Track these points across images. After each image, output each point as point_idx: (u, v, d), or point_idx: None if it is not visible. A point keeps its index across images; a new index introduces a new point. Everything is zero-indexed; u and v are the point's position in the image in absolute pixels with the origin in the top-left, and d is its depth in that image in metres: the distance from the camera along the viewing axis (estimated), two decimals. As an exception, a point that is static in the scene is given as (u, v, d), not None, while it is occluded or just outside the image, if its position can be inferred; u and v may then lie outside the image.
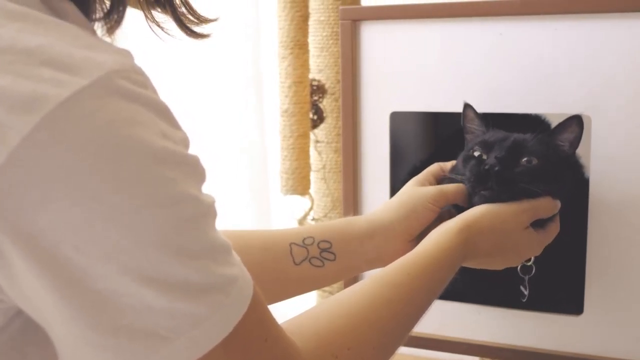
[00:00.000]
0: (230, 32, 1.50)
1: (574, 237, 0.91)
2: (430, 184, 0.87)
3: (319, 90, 1.24)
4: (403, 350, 1.17)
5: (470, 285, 0.96)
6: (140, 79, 0.45)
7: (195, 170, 0.48)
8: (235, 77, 1.54)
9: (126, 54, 0.46)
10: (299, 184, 1.26)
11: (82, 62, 0.42)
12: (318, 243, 0.79)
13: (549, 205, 0.82)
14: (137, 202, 0.43)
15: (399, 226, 0.82)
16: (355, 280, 0.99)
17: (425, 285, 0.70)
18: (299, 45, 1.23)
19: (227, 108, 1.54)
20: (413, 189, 0.84)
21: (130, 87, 0.44)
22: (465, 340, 0.99)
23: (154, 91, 0.47)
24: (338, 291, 0.88)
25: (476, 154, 0.85)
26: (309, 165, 1.27)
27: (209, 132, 1.49)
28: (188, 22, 0.61)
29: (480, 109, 0.98)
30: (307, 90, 1.24)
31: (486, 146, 0.85)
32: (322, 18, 1.23)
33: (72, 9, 0.48)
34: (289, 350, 0.54)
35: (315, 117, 1.27)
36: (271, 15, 1.28)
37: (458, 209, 0.85)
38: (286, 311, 0.70)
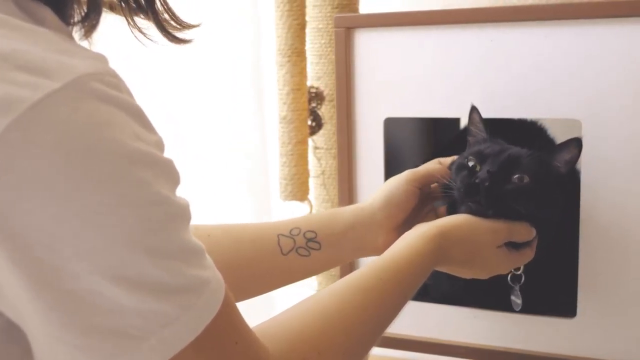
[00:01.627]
0: (230, 40, 1.51)
1: (566, 240, 0.92)
2: (422, 177, 0.87)
3: (317, 97, 1.26)
4: (399, 354, 1.18)
5: (466, 289, 0.97)
6: (114, 81, 0.46)
7: (168, 173, 0.48)
8: (235, 84, 1.56)
9: (101, 58, 0.47)
10: (298, 189, 1.27)
11: (55, 66, 0.43)
12: (304, 233, 0.82)
13: (524, 231, 0.84)
14: (108, 202, 0.43)
15: (380, 214, 0.84)
16: (351, 268, 1.00)
17: (397, 290, 0.71)
18: (296, 53, 1.24)
19: (228, 115, 1.55)
20: (392, 177, 0.87)
21: (103, 89, 0.44)
22: (461, 344, 1.00)
23: (129, 94, 0.48)
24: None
25: (470, 164, 0.86)
26: (307, 171, 1.28)
27: (209, 138, 1.51)
28: (170, 28, 0.62)
29: (473, 114, 0.99)
30: (305, 98, 1.25)
31: (481, 157, 0.86)
32: (320, 26, 1.24)
33: (49, 15, 0.49)
34: (260, 353, 0.55)
35: (314, 124, 1.28)
36: (270, 23, 1.30)
37: (450, 212, 0.86)
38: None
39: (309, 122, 1.28)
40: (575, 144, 0.85)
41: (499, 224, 0.81)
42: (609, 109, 0.88)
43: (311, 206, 1.30)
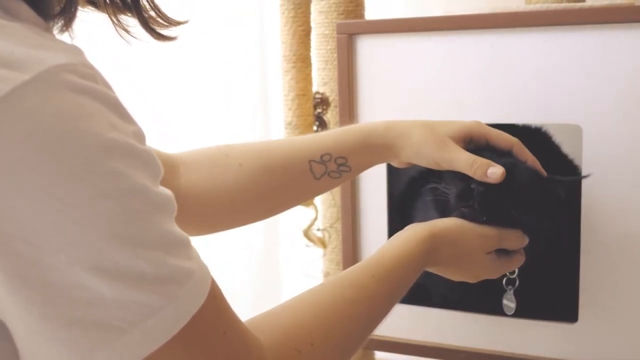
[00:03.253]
0: (235, 46, 1.53)
1: (567, 245, 0.92)
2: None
3: (322, 102, 1.27)
4: (399, 357, 1.19)
5: (467, 293, 0.98)
6: (88, 72, 0.45)
7: (145, 162, 0.48)
8: (241, 91, 1.57)
9: (74, 50, 0.46)
10: (304, 194, 1.28)
11: (25, 58, 0.42)
12: (335, 159, 0.84)
13: (516, 239, 0.83)
14: (83, 193, 0.43)
15: (410, 155, 0.84)
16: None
17: (388, 288, 0.72)
18: (301, 59, 1.26)
19: (234, 120, 1.57)
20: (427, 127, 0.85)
21: (76, 80, 0.44)
22: (462, 348, 1.01)
23: (106, 85, 0.47)
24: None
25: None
26: (313, 176, 1.29)
27: (215, 143, 1.52)
28: (156, 25, 0.61)
29: (474, 119, 1.00)
30: (311, 103, 1.27)
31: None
32: (326, 32, 1.26)
33: (24, 9, 0.49)
34: (250, 344, 0.55)
35: (319, 129, 1.29)
36: (275, 29, 1.31)
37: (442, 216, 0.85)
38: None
39: (315, 128, 1.29)
40: (579, 179, 0.86)
41: (490, 230, 0.81)
42: (609, 115, 0.88)
43: (317, 211, 1.31)
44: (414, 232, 0.78)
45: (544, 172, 0.85)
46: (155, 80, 1.33)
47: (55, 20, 0.52)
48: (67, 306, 0.43)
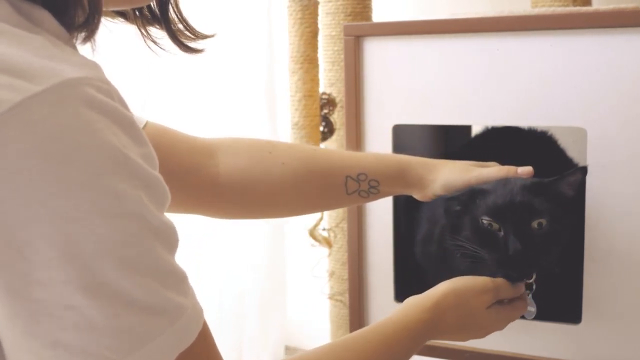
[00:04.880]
0: (243, 47, 1.53)
1: (571, 247, 0.93)
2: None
3: (328, 103, 1.28)
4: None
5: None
6: (104, 87, 0.45)
7: (150, 186, 0.46)
8: (248, 91, 1.58)
9: (91, 65, 0.46)
10: (310, 194, 1.29)
11: (39, 70, 0.42)
12: (369, 181, 0.88)
13: (509, 290, 0.84)
14: (81, 208, 0.42)
15: (437, 190, 0.89)
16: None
17: (387, 355, 0.73)
18: (308, 60, 1.26)
19: (241, 120, 1.58)
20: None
21: (90, 95, 0.43)
22: (467, 348, 1.01)
23: (122, 103, 0.47)
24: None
25: (488, 225, 0.85)
26: (319, 176, 1.30)
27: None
28: (184, 38, 0.62)
29: (480, 121, 1.01)
30: (317, 104, 1.27)
31: (496, 214, 0.84)
32: (333, 33, 1.26)
33: (47, 18, 0.48)
34: None
35: (326, 130, 1.30)
36: (283, 31, 1.32)
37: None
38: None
39: (321, 128, 1.30)
40: (581, 171, 0.86)
41: (487, 284, 0.81)
42: (614, 118, 0.88)
43: (322, 212, 1.32)
44: (417, 301, 0.79)
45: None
46: (163, 80, 1.34)
47: (78, 31, 0.51)
48: (54, 325, 0.42)
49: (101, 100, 0.44)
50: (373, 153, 0.94)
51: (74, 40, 0.52)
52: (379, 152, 0.96)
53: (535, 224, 0.83)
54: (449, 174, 0.88)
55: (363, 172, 0.88)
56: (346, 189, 0.88)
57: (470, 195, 0.86)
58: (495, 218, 0.84)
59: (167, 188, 0.49)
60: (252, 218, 0.91)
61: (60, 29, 0.49)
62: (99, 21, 0.51)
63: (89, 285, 0.43)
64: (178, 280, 0.48)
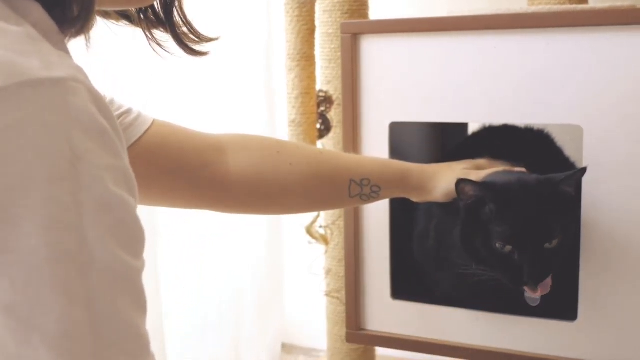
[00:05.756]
0: (240, 44, 1.53)
1: (567, 244, 0.93)
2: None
3: (325, 101, 1.28)
4: (405, 354, 1.20)
5: (470, 292, 0.99)
6: (78, 88, 0.42)
7: (109, 208, 0.42)
8: (246, 88, 1.58)
9: (68, 66, 0.43)
10: (307, 192, 1.29)
11: (6, 66, 0.40)
12: (372, 186, 0.92)
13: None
14: (9, 212, 0.39)
15: (439, 197, 0.94)
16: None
17: None
18: (305, 58, 1.26)
19: (238, 117, 1.58)
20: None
21: (51, 97, 0.41)
22: (463, 345, 1.02)
23: (100, 107, 0.44)
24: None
25: (502, 248, 0.88)
26: (316, 173, 1.30)
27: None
28: (188, 41, 0.63)
29: (477, 119, 1.01)
30: (314, 101, 1.28)
31: (510, 239, 0.88)
32: (330, 31, 1.26)
33: (36, 10, 0.46)
34: None
35: (323, 127, 1.30)
36: (280, 28, 1.32)
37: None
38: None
39: (318, 126, 1.30)
40: (582, 171, 0.89)
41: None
42: (610, 115, 0.89)
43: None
44: None
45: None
46: (160, 78, 1.34)
47: (71, 25, 0.49)
48: None
49: (65, 104, 0.41)
50: (376, 158, 0.97)
51: (68, 37, 0.51)
52: (381, 158, 0.99)
53: (548, 244, 0.87)
54: (448, 184, 0.92)
55: (367, 177, 0.91)
56: (349, 192, 0.91)
57: (481, 201, 0.90)
58: (510, 243, 0.88)
59: (137, 218, 0.44)
60: (256, 214, 0.93)
61: (49, 23, 0.47)
62: (88, 14, 0.49)
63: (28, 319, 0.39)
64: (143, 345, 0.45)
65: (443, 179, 0.93)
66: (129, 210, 0.44)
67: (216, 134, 0.87)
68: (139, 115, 0.78)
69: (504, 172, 0.94)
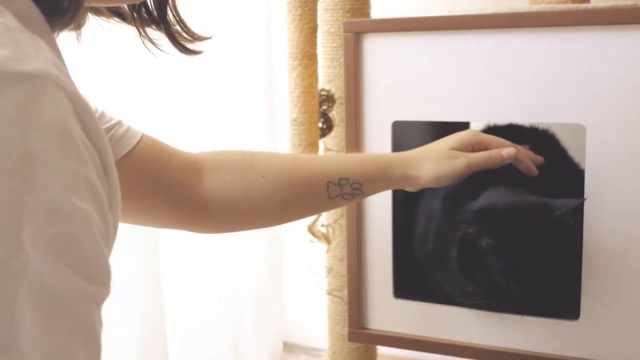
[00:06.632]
0: (242, 43, 1.53)
1: (570, 244, 0.93)
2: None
3: (327, 100, 1.28)
4: (407, 353, 1.20)
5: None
6: (47, 84, 0.40)
7: (48, 210, 0.38)
8: (247, 87, 1.58)
9: (43, 60, 0.41)
10: (308, 190, 1.29)
11: None
12: (351, 184, 0.88)
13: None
14: None
15: (427, 182, 0.90)
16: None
17: None
18: (307, 56, 1.26)
19: (239, 116, 1.58)
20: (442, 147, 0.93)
21: (12, 92, 0.38)
22: (465, 344, 1.02)
23: (77, 106, 0.41)
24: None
25: (503, 280, 0.90)
26: (317, 172, 1.30)
27: (220, 139, 1.53)
28: (182, 40, 0.63)
29: (479, 118, 1.01)
30: (316, 100, 1.28)
31: (510, 273, 0.89)
32: (332, 30, 1.26)
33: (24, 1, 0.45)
34: None
35: (325, 126, 1.30)
36: (282, 27, 1.32)
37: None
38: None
39: (320, 125, 1.30)
40: (580, 203, 0.90)
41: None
42: (613, 115, 0.89)
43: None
44: None
45: (534, 171, 0.93)
46: (161, 77, 1.34)
47: (59, 17, 0.47)
48: None
49: (27, 100, 0.38)
50: (354, 155, 0.94)
51: (57, 30, 0.49)
52: (362, 154, 0.96)
53: (547, 275, 0.89)
54: (435, 168, 0.89)
55: (344, 176, 0.88)
56: (328, 194, 0.88)
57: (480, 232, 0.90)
58: (510, 277, 0.89)
59: (91, 233, 0.41)
60: (237, 231, 0.91)
61: (34, 12, 0.45)
62: (79, 7, 0.48)
63: None
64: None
65: (427, 164, 0.89)
66: (86, 224, 0.40)
67: (194, 153, 0.86)
68: (129, 129, 0.78)
69: (497, 193, 0.92)
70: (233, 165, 0.86)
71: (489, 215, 0.89)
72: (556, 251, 0.89)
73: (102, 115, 0.76)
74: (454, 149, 0.91)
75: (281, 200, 0.87)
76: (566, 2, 1.12)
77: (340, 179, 0.88)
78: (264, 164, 0.86)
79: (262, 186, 0.85)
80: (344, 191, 0.88)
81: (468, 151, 0.91)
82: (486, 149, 0.92)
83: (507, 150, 0.90)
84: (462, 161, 0.89)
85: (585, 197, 0.90)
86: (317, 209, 0.99)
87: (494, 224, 0.89)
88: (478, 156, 0.89)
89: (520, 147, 0.94)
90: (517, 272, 0.88)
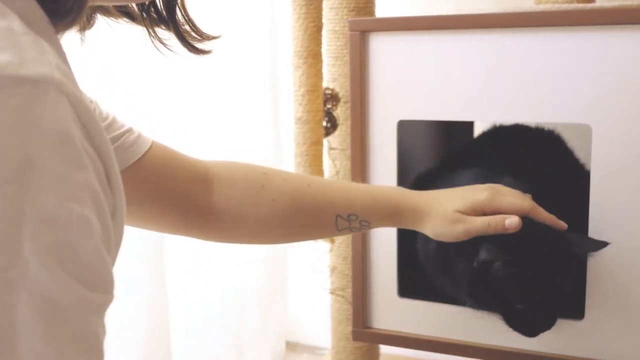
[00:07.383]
0: (246, 42, 1.53)
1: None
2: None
3: (332, 98, 1.27)
4: (409, 352, 1.20)
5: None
6: (48, 89, 0.39)
7: (46, 218, 0.38)
8: (252, 86, 1.58)
9: (45, 63, 0.40)
10: (312, 189, 1.29)
11: None
12: (360, 221, 0.89)
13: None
14: None
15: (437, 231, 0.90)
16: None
17: None
18: (312, 55, 1.26)
19: (244, 115, 1.58)
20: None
21: (20, 96, 0.38)
22: (469, 343, 1.02)
23: (78, 111, 0.41)
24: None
25: (517, 306, 0.89)
26: (322, 171, 1.30)
27: (224, 138, 1.53)
28: (191, 39, 0.63)
29: (485, 117, 1.01)
30: (321, 99, 1.27)
31: (525, 300, 0.89)
32: (336, 28, 1.26)
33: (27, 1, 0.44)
34: None
35: (329, 125, 1.30)
36: (287, 25, 1.32)
37: None
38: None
39: (324, 123, 1.29)
40: (603, 245, 0.89)
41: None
42: (619, 115, 0.89)
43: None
44: None
45: (562, 225, 0.90)
46: (166, 76, 1.34)
47: (64, 18, 0.47)
48: None
49: (28, 105, 0.38)
50: (367, 191, 0.92)
51: (61, 30, 0.48)
52: (374, 189, 0.95)
53: (557, 300, 0.89)
54: (437, 227, 0.89)
55: (354, 212, 0.89)
56: (336, 226, 0.89)
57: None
58: (524, 303, 0.88)
59: (91, 241, 0.40)
60: (242, 244, 0.92)
61: (38, 13, 0.45)
62: (83, 7, 0.47)
63: None
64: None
65: (431, 222, 0.89)
66: (86, 231, 0.39)
67: (205, 161, 0.86)
68: (139, 136, 0.78)
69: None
70: (244, 183, 0.86)
71: (507, 244, 0.87)
72: (568, 280, 0.90)
73: (114, 121, 0.75)
74: (461, 211, 0.88)
75: (289, 225, 0.88)
76: (572, 2, 1.12)
77: (350, 214, 0.88)
78: (275, 187, 0.87)
79: (270, 209, 0.86)
80: (352, 225, 0.89)
81: (477, 214, 0.88)
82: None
83: (510, 220, 0.86)
84: (461, 228, 0.87)
85: (609, 242, 0.88)
86: (323, 236, 1.00)
87: (512, 260, 0.87)
88: (478, 225, 0.87)
89: (541, 210, 0.90)
90: (531, 299, 0.88)
